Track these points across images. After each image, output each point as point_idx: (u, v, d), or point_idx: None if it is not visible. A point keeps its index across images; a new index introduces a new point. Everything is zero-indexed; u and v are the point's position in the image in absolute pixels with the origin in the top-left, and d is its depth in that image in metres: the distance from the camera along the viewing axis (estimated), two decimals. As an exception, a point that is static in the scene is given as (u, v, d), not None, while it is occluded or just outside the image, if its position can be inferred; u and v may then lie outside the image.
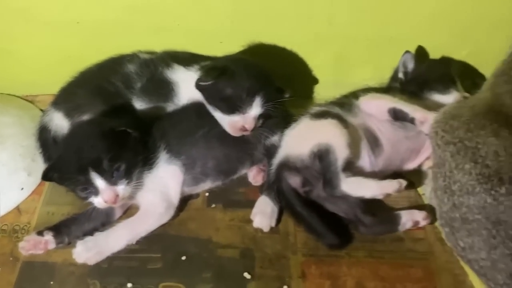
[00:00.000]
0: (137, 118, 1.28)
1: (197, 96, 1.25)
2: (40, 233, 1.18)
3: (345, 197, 1.14)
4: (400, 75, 1.33)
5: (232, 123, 1.22)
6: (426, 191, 1.26)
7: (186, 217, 1.25)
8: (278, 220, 1.23)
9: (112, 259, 1.16)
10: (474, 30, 1.38)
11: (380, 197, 1.12)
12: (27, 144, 1.37)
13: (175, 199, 1.22)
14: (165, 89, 1.30)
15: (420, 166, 1.28)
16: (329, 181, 1.13)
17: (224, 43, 1.42)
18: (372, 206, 1.18)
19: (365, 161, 1.20)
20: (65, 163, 1.11)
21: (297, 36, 1.42)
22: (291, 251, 1.18)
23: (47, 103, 1.40)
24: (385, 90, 1.32)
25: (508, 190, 0.92)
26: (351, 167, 1.16)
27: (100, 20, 1.39)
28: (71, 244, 1.17)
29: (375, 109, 1.24)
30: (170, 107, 1.30)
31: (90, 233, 1.17)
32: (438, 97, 1.28)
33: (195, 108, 1.28)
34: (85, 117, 1.29)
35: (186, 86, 1.28)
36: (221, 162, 1.27)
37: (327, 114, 1.21)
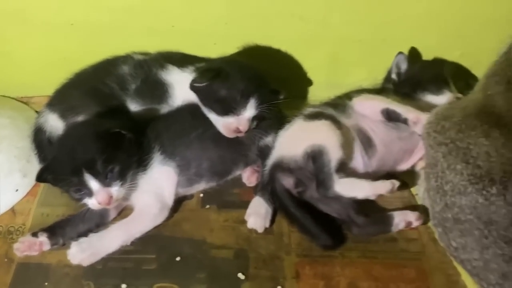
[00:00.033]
0: (131, 120, 1.28)
1: (192, 97, 1.25)
2: (34, 234, 1.18)
3: (338, 198, 1.15)
4: (393, 76, 1.34)
5: (226, 124, 1.22)
6: (419, 191, 1.27)
7: (180, 218, 1.26)
8: (272, 221, 1.23)
9: (107, 260, 1.16)
10: (467, 31, 1.39)
11: (373, 197, 1.12)
12: (22, 145, 1.38)
13: (170, 200, 1.22)
14: (160, 90, 1.30)
15: (413, 166, 1.28)
16: (322, 182, 1.13)
17: (218, 45, 1.42)
18: (365, 206, 1.19)
19: (359, 161, 1.21)
20: (59, 164, 1.12)
21: (291, 38, 1.42)
22: (285, 252, 1.18)
23: (42, 104, 1.40)
24: (379, 91, 1.33)
25: (499, 190, 0.93)
26: (344, 168, 1.16)
27: (95, 22, 1.39)
28: (65, 245, 1.17)
29: (368, 110, 1.24)
30: (165, 108, 1.30)
31: (85, 234, 1.17)
32: (431, 98, 1.28)
33: (189, 110, 1.28)
34: (80, 118, 1.28)
35: (180, 87, 1.28)
36: (216, 163, 1.27)
37: (321, 115, 1.22)
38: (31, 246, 1.17)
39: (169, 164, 1.23)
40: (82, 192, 1.11)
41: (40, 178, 1.14)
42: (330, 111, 1.24)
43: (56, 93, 1.37)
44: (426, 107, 1.20)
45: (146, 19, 1.38)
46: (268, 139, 1.29)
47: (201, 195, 1.31)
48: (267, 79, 1.27)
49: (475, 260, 0.99)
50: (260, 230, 1.21)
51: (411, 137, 1.23)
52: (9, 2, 1.36)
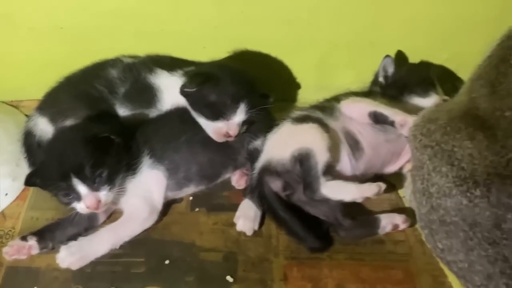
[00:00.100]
0: (120, 124, 1.28)
1: (181, 101, 1.26)
2: (23, 238, 1.18)
3: (326, 201, 1.15)
4: (381, 79, 1.36)
5: (216, 129, 1.23)
6: (406, 193, 1.28)
7: (169, 221, 1.26)
8: (261, 223, 1.24)
9: (96, 264, 1.16)
10: (454, 34, 1.41)
11: (359, 200, 1.13)
12: (12, 149, 1.38)
13: (159, 203, 1.23)
14: (148, 94, 1.30)
15: (400, 169, 1.29)
16: (309, 185, 1.14)
17: (208, 48, 1.43)
18: (352, 209, 1.19)
19: (346, 164, 1.21)
20: (48, 169, 1.12)
21: (279, 41, 1.43)
22: (273, 254, 1.19)
23: (32, 108, 1.40)
24: (366, 94, 1.34)
25: (483, 192, 0.93)
26: (332, 171, 1.17)
27: (84, 26, 1.40)
28: (55, 249, 1.17)
29: (356, 113, 1.25)
30: (154, 112, 1.30)
31: (74, 238, 1.17)
32: (418, 101, 1.30)
33: (178, 114, 1.28)
34: (69, 122, 1.29)
35: (169, 91, 1.29)
36: (205, 167, 1.28)
37: (308, 118, 1.23)
38: (20, 250, 1.17)
39: (158, 168, 1.23)
40: (71, 197, 1.11)
41: (29, 182, 1.14)
42: (317, 114, 1.25)
43: (46, 97, 1.37)
44: (413, 110, 1.21)
45: (135, 22, 1.39)
46: (257, 143, 1.30)
47: (191, 198, 1.32)
48: (256, 84, 1.28)
49: (460, 261, 1.00)
50: (249, 232, 1.21)
51: (398, 139, 1.24)
52: (-3, 6, 1.36)
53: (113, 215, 1.26)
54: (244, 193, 1.29)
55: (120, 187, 1.16)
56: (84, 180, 1.09)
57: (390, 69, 1.34)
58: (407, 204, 1.27)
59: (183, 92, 1.23)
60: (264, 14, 1.36)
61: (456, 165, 0.98)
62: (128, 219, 1.20)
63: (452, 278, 1.11)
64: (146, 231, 1.21)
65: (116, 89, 1.32)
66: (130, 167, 1.20)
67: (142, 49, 1.40)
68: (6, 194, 1.33)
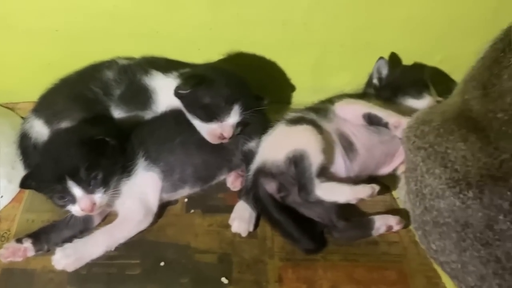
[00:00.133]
0: (115, 126, 1.28)
1: (176, 103, 1.26)
2: (19, 240, 1.18)
3: (321, 202, 1.16)
4: (375, 81, 1.36)
5: (210, 131, 1.23)
6: (400, 195, 1.29)
7: (165, 223, 1.26)
8: (256, 225, 1.24)
9: (91, 266, 1.16)
10: (447, 36, 1.41)
11: (353, 202, 1.13)
12: (7, 151, 1.38)
13: (154, 205, 1.23)
14: (143, 96, 1.30)
15: (395, 170, 1.30)
16: (304, 187, 1.14)
17: (203, 50, 1.43)
18: (347, 211, 1.20)
19: (341, 166, 1.22)
20: (43, 171, 1.12)
21: (274, 43, 1.44)
22: (268, 256, 1.19)
23: (27, 110, 1.40)
24: (361, 95, 1.34)
25: (475, 194, 0.94)
26: (326, 172, 1.18)
27: (79, 28, 1.40)
28: (50, 251, 1.17)
29: (350, 114, 1.26)
30: (149, 114, 1.31)
31: (69, 240, 1.17)
32: (411, 102, 1.31)
33: (173, 115, 1.29)
34: (65, 124, 1.29)
35: (164, 92, 1.29)
36: (200, 169, 1.28)
37: (302, 120, 1.23)
38: (15, 252, 1.17)
39: (153, 170, 1.23)
40: (66, 199, 1.11)
41: (24, 184, 1.14)
42: (311, 116, 1.26)
43: (41, 99, 1.37)
44: (407, 111, 1.21)
45: (130, 24, 1.39)
46: (251, 144, 1.30)
47: (186, 200, 1.32)
48: (250, 86, 1.28)
49: (453, 262, 1.01)
50: (244, 234, 1.22)
51: (392, 141, 1.25)
52: (-7, 9, 1.37)
53: (108, 217, 1.26)
54: (239, 194, 1.30)
55: (115, 189, 1.16)
56: (79, 182, 1.09)
57: (384, 71, 1.35)
58: (401, 206, 1.28)
59: (177, 94, 1.23)
60: (259, 16, 1.37)
61: (449, 167, 0.99)
62: (123, 221, 1.20)
63: (445, 279, 1.12)
64: (141, 233, 1.21)
65: (112, 91, 1.32)
66: (125, 169, 1.20)
67: (138, 51, 1.40)
68: (2, 196, 1.32)
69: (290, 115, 1.28)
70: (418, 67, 1.45)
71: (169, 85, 1.26)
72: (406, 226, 1.21)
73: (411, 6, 1.35)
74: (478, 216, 0.94)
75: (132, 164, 1.21)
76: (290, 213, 1.19)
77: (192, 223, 1.27)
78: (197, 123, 1.24)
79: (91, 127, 1.21)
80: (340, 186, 1.14)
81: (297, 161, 1.15)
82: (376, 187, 1.12)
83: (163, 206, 1.28)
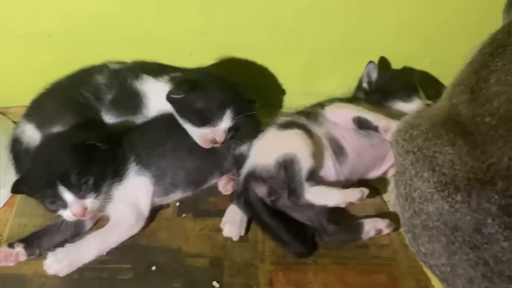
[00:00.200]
0: (106, 131, 1.28)
1: (167, 107, 1.26)
2: (10, 245, 1.18)
3: (311, 206, 1.16)
4: (365, 84, 1.37)
5: (202, 135, 1.23)
6: (390, 198, 1.29)
7: (156, 227, 1.26)
8: (248, 229, 1.25)
9: (83, 270, 1.16)
10: (437, 40, 1.42)
11: (343, 205, 1.14)
12: (-1, 156, 1.38)
13: (145, 210, 1.23)
14: (135, 100, 1.30)
15: (385, 173, 1.30)
16: (294, 191, 1.15)
17: (194, 54, 1.44)
18: (337, 214, 1.20)
19: (331, 169, 1.22)
20: (34, 176, 1.12)
21: (265, 47, 1.44)
22: (259, 260, 1.20)
23: (19, 115, 1.40)
24: (350, 99, 1.35)
25: (463, 197, 0.94)
26: (316, 176, 1.18)
27: (71, 32, 1.40)
28: (42, 256, 1.17)
29: (340, 118, 1.27)
30: (140, 119, 1.31)
31: (61, 244, 1.17)
32: (401, 105, 1.32)
33: (164, 120, 1.29)
34: (56, 128, 1.28)
35: (155, 97, 1.29)
36: (191, 173, 1.28)
37: (293, 124, 1.24)
38: (7, 257, 1.17)
39: (145, 174, 1.24)
40: (57, 204, 1.11)
41: (15, 189, 1.15)
42: (302, 120, 1.26)
43: (33, 104, 1.37)
44: (397, 115, 1.22)
45: (122, 29, 1.39)
46: (243, 148, 1.31)
47: (177, 204, 1.32)
48: (242, 90, 1.29)
49: (443, 265, 1.01)
50: (235, 238, 1.22)
51: (382, 144, 1.25)
52: (-16, 14, 1.36)
53: (100, 222, 1.26)
54: (230, 198, 1.30)
55: (107, 194, 1.16)
56: (70, 187, 1.09)
57: (374, 75, 1.35)
58: (391, 209, 1.28)
59: (169, 99, 1.24)
60: (249, 20, 1.38)
61: (437, 170, 0.99)
62: (114, 226, 1.20)
63: (435, 282, 1.12)
64: (133, 237, 1.21)
65: (103, 96, 1.32)
66: (117, 173, 1.20)
67: (130, 55, 1.40)
68: (-6, 201, 1.33)
69: (281, 119, 1.29)
70: (407, 71, 1.46)
71: (160, 90, 1.27)
72: (396, 229, 1.21)
73: (400, 10, 1.36)
74: (467, 219, 0.94)
75: (124, 169, 1.21)
76: (280, 217, 1.20)
77: (184, 227, 1.27)
78: (189, 128, 1.25)
79: (82, 132, 1.21)
80: (329, 190, 1.14)
81: (287, 165, 1.16)
82: (365, 191, 1.12)
83: (155, 210, 1.28)
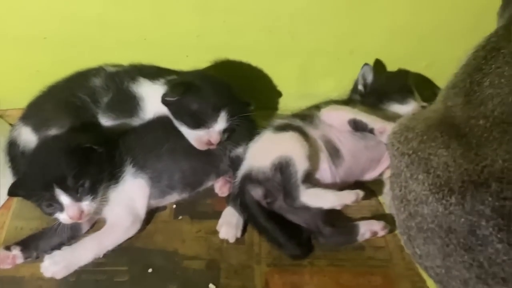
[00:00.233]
0: (103, 133, 1.28)
1: (163, 110, 1.27)
2: (7, 248, 1.18)
3: (307, 208, 1.16)
4: (360, 87, 1.37)
5: (198, 137, 1.24)
6: (386, 200, 1.30)
7: (153, 230, 1.27)
8: (244, 231, 1.25)
9: (80, 273, 1.16)
10: (432, 42, 1.43)
11: (338, 207, 1.14)
12: (-4, 159, 1.38)
13: (142, 212, 1.24)
14: (131, 103, 1.31)
15: (381, 175, 1.31)
16: (289, 193, 1.16)
17: (191, 57, 1.44)
18: (333, 216, 1.21)
19: (326, 171, 1.23)
20: (30, 179, 1.13)
21: (261, 50, 1.45)
22: (255, 261, 1.20)
23: (16, 117, 1.40)
24: (346, 101, 1.36)
25: (457, 199, 0.94)
26: (312, 178, 1.19)
27: (67, 35, 1.40)
28: (39, 259, 1.17)
29: (335, 120, 1.27)
30: (136, 122, 1.31)
31: (58, 247, 1.18)
32: (396, 108, 1.32)
33: (160, 122, 1.29)
34: (53, 131, 1.28)
35: (152, 100, 1.30)
36: (187, 175, 1.29)
37: (289, 127, 1.25)
38: (4, 260, 1.17)
39: (141, 176, 1.24)
40: (53, 207, 1.11)
41: (12, 193, 1.15)
42: (298, 122, 1.27)
43: (29, 106, 1.37)
44: (392, 117, 1.23)
45: (118, 32, 1.40)
46: (239, 150, 1.31)
47: (174, 206, 1.32)
48: (237, 92, 1.29)
49: (437, 267, 1.01)
50: (232, 240, 1.23)
51: (377, 146, 1.26)
52: (-20, 17, 1.37)
53: (96, 224, 1.26)
54: (227, 200, 1.30)
55: (103, 196, 1.17)
56: (66, 190, 1.10)
57: (369, 77, 1.36)
58: (387, 211, 1.29)
59: (164, 101, 1.24)
60: (245, 23, 1.38)
61: (432, 173, 0.99)
62: (111, 228, 1.21)
63: (430, 283, 1.12)
64: (129, 239, 1.22)
65: (99, 99, 1.32)
66: (113, 176, 1.20)
67: (126, 58, 1.41)
68: (-9, 204, 1.33)
69: (277, 121, 1.29)
70: (403, 73, 1.47)
71: (157, 92, 1.27)
72: (391, 231, 1.22)
73: (396, 13, 1.37)
74: (461, 221, 0.94)
75: (120, 171, 1.22)
76: (276, 219, 1.20)
77: (180, 230, 1.27)
78: (184, 130, 1.26)
79: (79, 134, 1.22)
80: (324, 192, 1.15)
81: (282, 167, 1.16)
82: (361, 193, 1.13)
83: (151, 213, 1.29)
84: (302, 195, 1.14)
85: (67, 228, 1.18)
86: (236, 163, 1.30)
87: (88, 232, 1.25)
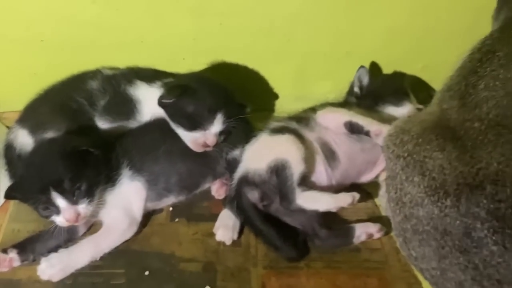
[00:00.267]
0: (99, 136, 1.29)
1: (160, 112, 1.27)
2: (4, 250, 1.18)
3: (303, 211, 1.17)
4: (356, 89, 1.38)
5: (194, 139, 1.24)
6: (382, 202, 1.30)
7: (149, 232, 1.27)
8: (240, 233, 1.25)
9: (77, 276, 1.16)
10: (428, 44, 1.44)
11: (334, 210, 1.14)
12: (-8, 161, 1.38)
13: (138, 215, 1.24)
14: (128, 106, 1.31)
15: (377, 177, 1.31)
16: (285, 196, 1.16)
17: (187, 60, 1.45)
18: (329, 218, 1.21)
19: (322, 174, 1.23)
20: (27, 182, 1.12)
21: (257, 52, 1.45)
22: (252, 264, 1.20)
23: (13, 120, 1.40)
24: (342, 104, 1.36)
25: (453, 202, 0.95)
26: (308, 181, 1.19)
27: (65, 38, 1.40)
28: (36, 261, 1.17)
29: (331, 123, 1.28)
30: (133, 124, 1.31)
31: (55, 250, 1.18)
32: (392, 110, 1.33)
33: (157, 124, 1.30)
34: (49, 134, 1.28)
35: (148, 102, 1.30)
36: (184, 178, 1.29)
37: (285, 129, 1.25)
38: (1, 263, 1.17)
39: (138, 179, 1.24)
40: (50, 210, 1.11)
41: (9, 196, 1.15)
42: (294, 125, 1.27)
43: (26, 109, 1.37)
44: (388, 119, 1.23)
45: (115, 34, 1.40)
46: (235, 152, 1.31)
47: (171, 208, 1.33)
48: (233, 94, 1.30)
49: (433, 269, 1.02)
50: (228, 242, 1.23)
51: (373, 148, 1.26)
52: (-23, 19, 1.37)
53: (93, 227, 1.26)
54: (224, 202, 1.31)
55: (100, 199, 1.17)
56: (63, 193, 1.10)
57: (365, 80, 1.37)
58: (383, 213, 1.29)
59: (161, 104, 1.25)
60: (241, 26, 1.39)
61: (427, 175, 1.00)
62: (108, 231, 1.21)
63: (426, 285, 1.12)
64: (126, 242, 1.22)
65: (96, 101, 1.33)
66: (110, 179, 1.20)
67: (123, 60, 1.41)
68: (-13, 207, 1.32)
69: (273, 124, 1.30)
70: (398, 76, 1.47)
71: (153, 95, 1.27)
72: (387, 233, 1.22)
73: (392, 15, 1.38)
74: (456, 224, 0.95)
75: (117, 174, 1.22)
76: (273, 222, 1.20)
77: (177, 232, 1.27)
78: (181, 132, 1.26)
79: (76, 137, 1.22)
80: (320, 195, 1.15)
81: (278, 170, 1.16)
82: (356, 196, 1.13)
83: (148, 215, 1.29)
84: (298, 198, 1.14)
85: (64, 231, 1.18)
86: (232, 165, 1.30)
87: (84, 234, 1.25)
